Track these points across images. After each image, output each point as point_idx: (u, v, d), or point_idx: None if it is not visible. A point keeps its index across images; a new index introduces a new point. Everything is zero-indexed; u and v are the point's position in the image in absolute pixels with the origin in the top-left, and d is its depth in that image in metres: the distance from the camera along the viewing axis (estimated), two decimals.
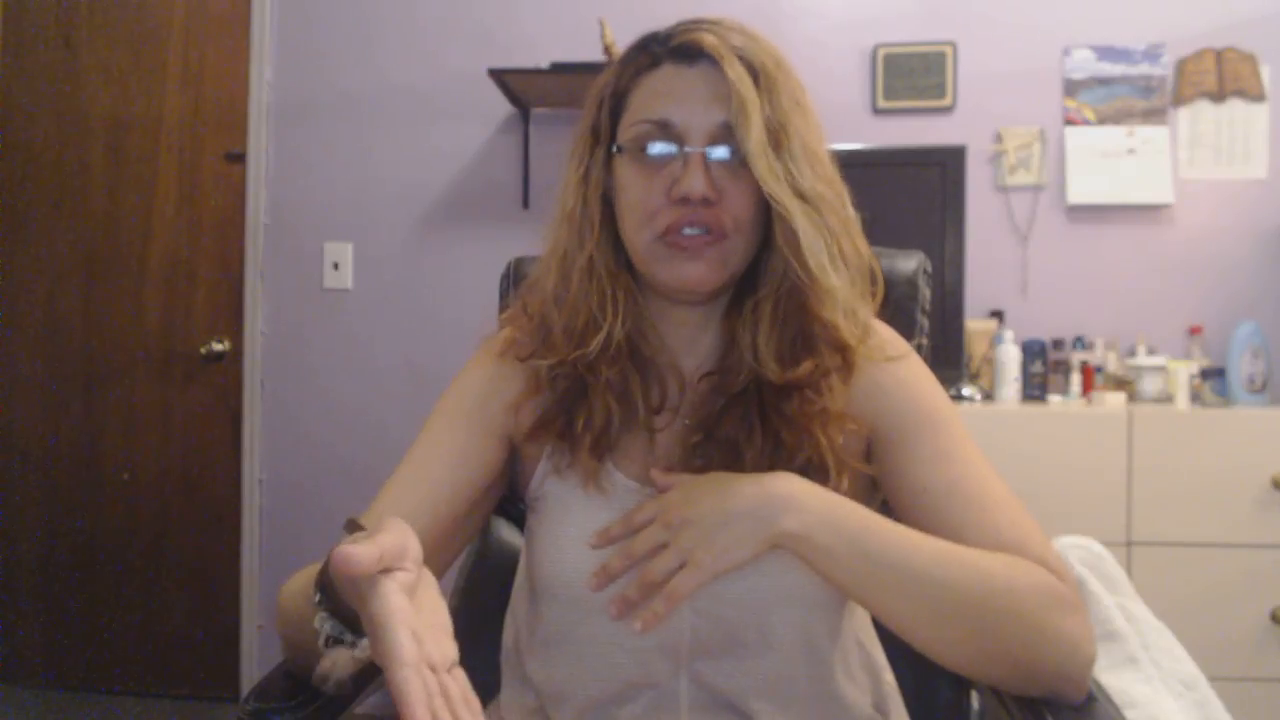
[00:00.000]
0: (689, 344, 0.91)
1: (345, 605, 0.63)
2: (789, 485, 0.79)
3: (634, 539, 0.80)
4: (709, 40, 0.82)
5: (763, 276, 0.86)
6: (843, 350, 0.85)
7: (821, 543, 0.76)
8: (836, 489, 0.81)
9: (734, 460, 0.83)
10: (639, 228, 0.84)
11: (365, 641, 0.64)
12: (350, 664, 0.67)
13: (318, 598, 0.67)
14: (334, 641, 0.67)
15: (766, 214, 0.84)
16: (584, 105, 0.90)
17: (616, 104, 0.87)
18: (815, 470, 0.82)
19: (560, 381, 0.88)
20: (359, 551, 0.53)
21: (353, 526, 0.66)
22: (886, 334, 0.91)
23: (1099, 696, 0.78)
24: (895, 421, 0.86)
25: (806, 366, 0.83)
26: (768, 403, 0.84)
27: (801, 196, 0.80)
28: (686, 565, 0.77)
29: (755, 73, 0.81)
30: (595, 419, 0.85)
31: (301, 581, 0.76)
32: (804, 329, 0.84)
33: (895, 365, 0.88)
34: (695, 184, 0.80)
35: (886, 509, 0.87)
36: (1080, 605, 0.77)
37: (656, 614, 0.76)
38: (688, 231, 0.82)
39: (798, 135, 0.81)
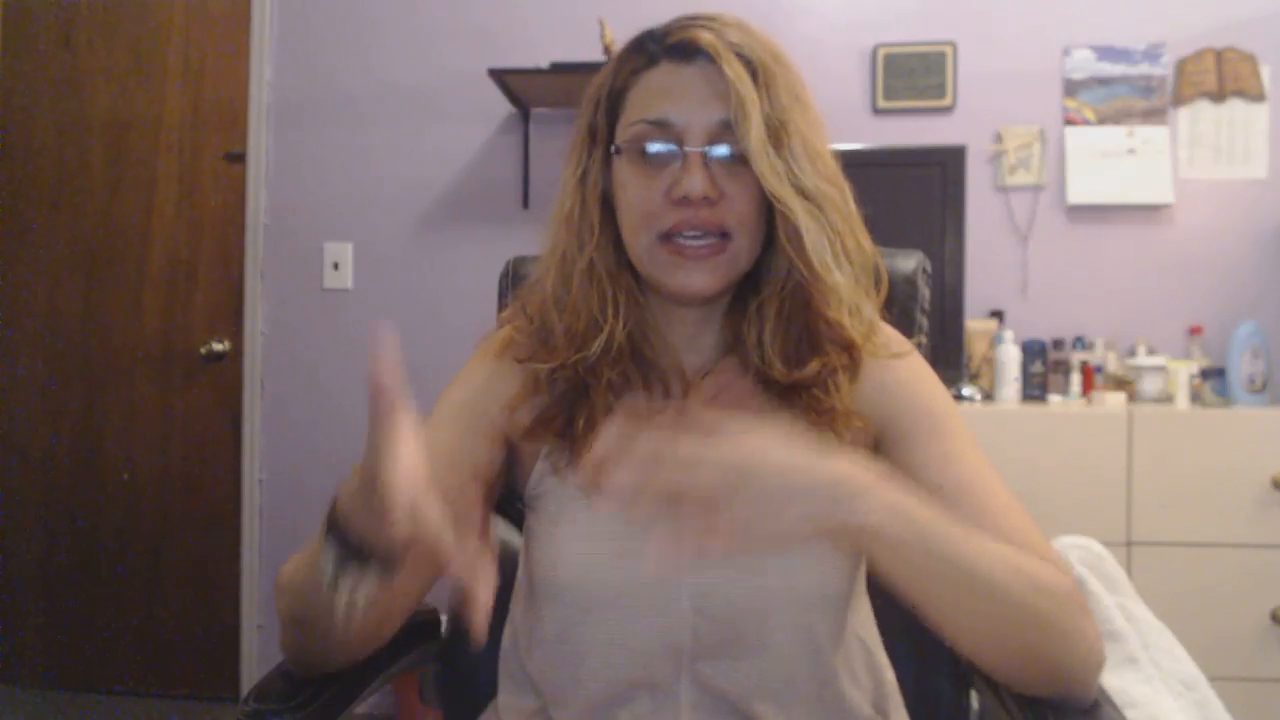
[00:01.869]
0: (691, 343, 0.90)
1: (353, 534, 0.62)
2: (860, 470, 0.67)
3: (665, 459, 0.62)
4: (705, 38, 0.81)
5: (766, 276, 0.86)
6: (849, 348, 0.84)
7: (894, 537, 0.67)
8: None
9: None
10: (639, 229, 0.83)
11: (371, 573, 0.62)
12: (368, 585, 0.63)
13: (324, 531, 0.64)
14: (340, 563, 0.63)
15: (769, 211, 0.83)
16: (581, 105, 0.90)
17: (613, 104, 0.86)
18: None
19: (560, 384, 0.87)
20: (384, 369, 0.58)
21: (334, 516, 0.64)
22: (889, 332, 0.91)
23: (1102, 700, 0.77)
24: (900, 421, 0.86)
25: (813, 366, 0.83)
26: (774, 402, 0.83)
27: (804, 194, 0.80)
28: (725, 529, 0.62)
29: (753, 69, 0.80)
30: (597, 421, 0.84)
31: (298, 558, 0.75)
32: (809, 328, 0.84)
33: (899, 364, 0.88)
34: (695, 184, 0.80)
35: None
36: (1089, 607, 0.77)
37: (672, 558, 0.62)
38: (690, 234, 0.81)
39: (798, 132, 0.80)
